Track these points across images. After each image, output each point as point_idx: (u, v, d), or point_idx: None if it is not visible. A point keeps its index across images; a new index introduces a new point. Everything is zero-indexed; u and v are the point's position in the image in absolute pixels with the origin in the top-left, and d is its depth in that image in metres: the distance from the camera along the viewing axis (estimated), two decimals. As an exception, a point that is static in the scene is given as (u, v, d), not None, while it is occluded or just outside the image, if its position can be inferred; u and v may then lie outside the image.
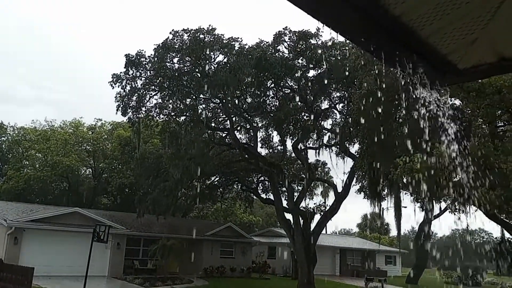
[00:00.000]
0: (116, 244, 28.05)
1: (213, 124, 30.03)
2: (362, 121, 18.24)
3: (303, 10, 1.54)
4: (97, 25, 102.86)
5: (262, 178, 34.70)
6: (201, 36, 25.91)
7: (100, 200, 51.69)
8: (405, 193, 23.59)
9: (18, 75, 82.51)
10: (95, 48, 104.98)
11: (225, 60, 26.45)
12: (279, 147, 32.61)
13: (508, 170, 12.78)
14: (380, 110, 16.26)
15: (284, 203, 30.47)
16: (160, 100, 28.06)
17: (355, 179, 28.37)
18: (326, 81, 25.35)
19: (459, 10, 1.70)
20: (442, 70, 2.06)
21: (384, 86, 15.55)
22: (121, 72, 27.03)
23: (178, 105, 28.34)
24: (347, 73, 23.39)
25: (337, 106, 28.56)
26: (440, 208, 35.73)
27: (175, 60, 27.03)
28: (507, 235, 24.59)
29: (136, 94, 27.20)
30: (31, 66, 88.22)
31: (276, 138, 31.99)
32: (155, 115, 28.69)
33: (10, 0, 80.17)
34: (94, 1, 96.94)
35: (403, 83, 2.09)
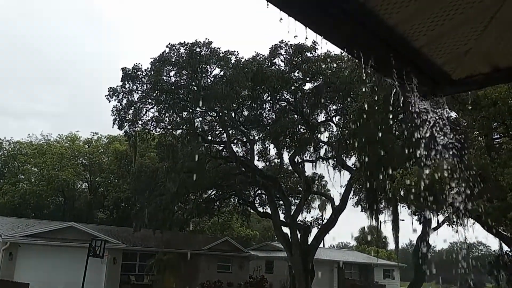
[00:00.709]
0: (112, 259, 27.78)
1: (209, 137, 30.02)
2: (359, 133, 18.27)
3: (297, 20, 1.53)
4: (94, 38, 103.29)
5: (259, 191, 34.60)
6: (198, 49, 26.05)
7: (96, 214, 51.28)
8: (403, 206, 23.56)
9: (14, 89, 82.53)
10: (92, 61, 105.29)
11: (222, 73, 26.56)
12: (276, 160, 32.61)
13: (505, 183, 12.78)
14: (376, 123, 16.31)
15: (282, 216, 30.36)
16: (156, 114, 28.10)
17: (352, 192, 28.34)
18: (322, 94, 25.44)
19: (452, 21, 1.70)
20: (436, 80, 2.06)
21: (380, 98, 15.61)
22: (117, 86, 27.12)
23: (174, 119, 28.36)
24: (343, 85, 23.50)
25: (333, 118, 28.64)
26: (438, 221, 35.64)
27: (172, 73, 27.13)
28: (505, 248, 24.50)
29: (132, 108, 27.23)
30: (27, 79, 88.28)
31: (273, 151, 32.03)
32: (151, 129, 28.68)
33: (6, 14, 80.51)
34: (90, 14, 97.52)
35: (398, 94, 2.08)
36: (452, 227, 24.19)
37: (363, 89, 18.53)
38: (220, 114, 28.03)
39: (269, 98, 27.38)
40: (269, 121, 28.09)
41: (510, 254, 24.30)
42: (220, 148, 31.17)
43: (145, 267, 28.69)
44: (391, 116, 17.12)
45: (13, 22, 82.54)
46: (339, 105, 27.04)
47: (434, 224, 37.07)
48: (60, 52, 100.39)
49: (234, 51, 26.67)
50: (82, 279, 17.23)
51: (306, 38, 1.63)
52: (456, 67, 2.02)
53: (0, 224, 28.01)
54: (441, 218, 31.78)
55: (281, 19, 1.48)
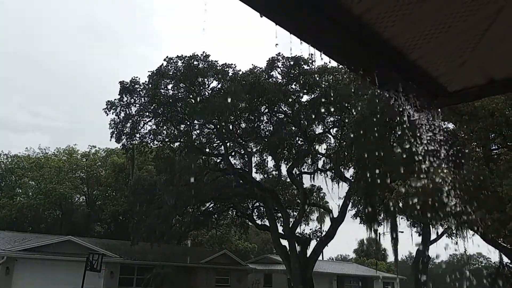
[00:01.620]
0: (110, 273, 27.55)
1: (207, 150, 30.00)
2: (356, 145, 18.29)
3: (293, 34, 1.54)
4: (92, 52, 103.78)
5: (257, 203, 34.48)
6: (195, 62, 26.16)
7: (93, 228, 50.96)
8: (402, 218, 23.50)
9: (13, 102, 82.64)
10: (91, 75, 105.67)
11: (219, 86, 26.65)
12: (274, 172, 32.56)
13: (504, 194, 12.77)
14: (373, 135, 16.34)
15: (280, 229, 30.22)
16: (154, 126, 28.10)
17: (350, 203, 28.25)
18: (319, 106, 25.51)
19: (447, 34, 1.71)
20: (433, 92, 2.06)
21: (377, 110, 15.66)
22: (115, 99, 27.15)
23: (172, 131, 28.36)
24: (340, 98, 23.59)
25: (331, 130, 28.68)
26: (438, 233, 35.56)
27: (169, 86, 27.19)
28: (505, 259, 24.40)
29: (130, 121, 27.23)
30: (26, 93, 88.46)
31: (270, 163, 31.98)
32: (149, 141, 28.65)
33: (6, 27, 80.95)
34: (89, 29, 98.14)
35: (395, 106, 2.08)
36: (452, 238, 24.14)
37: (360, 102, 18.61)
38: (218, 126, 28.06)
39: (266, 110, 27.44)
40: (266, 133, 28.11)
41: (510, 265, 24.17)
42: (218, 160, 31.12)
43: (143, 280, 28.43)
44: (388, 127, 17.17)
45: (13, 37, 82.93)
46: (336, 117, 27.10)
47: (433, 236, 37.03)
48: (59, 67, 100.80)
49: (232, 64, 26.83)
50: (79, 293, 17.08)
51: (302, 54, 1.63)
52: (451, 79, 2.02)
53: (-4, 238, 27.84)
54: (440, 230, 31.74)
55: (276, 38, 1.49)
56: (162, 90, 26.96)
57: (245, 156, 30.41)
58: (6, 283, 23.62)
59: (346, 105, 23.52)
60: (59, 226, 45.61)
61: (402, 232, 26.38)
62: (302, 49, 1.61)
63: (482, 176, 13.05)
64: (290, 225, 29.19)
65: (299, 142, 28.00)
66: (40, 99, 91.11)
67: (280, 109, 28.11)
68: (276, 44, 1.50)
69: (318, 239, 31.39)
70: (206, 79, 26.70)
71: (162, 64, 26.62)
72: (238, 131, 28.78)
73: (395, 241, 24.96)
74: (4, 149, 62.53)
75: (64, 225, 45.52)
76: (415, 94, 1.96)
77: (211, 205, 34.10)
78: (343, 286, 45.68)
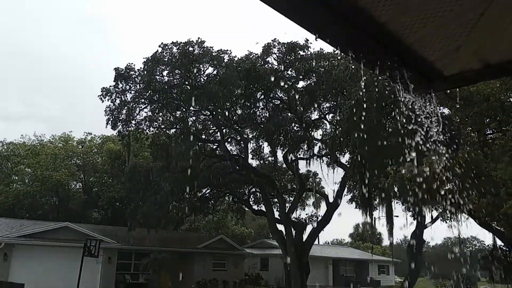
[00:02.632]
0: (107, 258, 27.72)
1: (203, 136, 30.00)
2: (352, 131, 18.33)
3: (289, 18, 1.55)
4: (86, 39, 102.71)
5: (254, 189, 34.64)
6: (190, 48, 25.98)
7: (90, 214, 51.09)
8: (397, 202, 23.66)
9: (7, 91, 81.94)
10: (84, 62, 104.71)
11: (215, 72, 26.52)
12: (270, 158, 32.63)
13: (498, 178, 12.88)
14: (369, 120, 16.37)
15: (276, 214, 30.41)
16: (150, 113, 28.02)
17: (346, 189, 28.43)
18: (315, 92, 25.47)
19: (442, 18, 1.72)
20: (428, 77, 2.08)
21: (373, 95, 15.67)
22: (110, 86, 27.00)
23: (168, 118, 28.29)
24: (336, 83, 23.55)
25: (327, 116, 28.71)
26: (432, 216, 35.86)
27: (165, 73, 27.05)
28: (499, 242, 24.69)
29: (125, 108, 27.13)
30: (18, 82, 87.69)
31: (266, 149, 32.05)
32: (145, 128, 28.60)
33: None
34: (82, 15, 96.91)
35: (391, 91, 2.11)
36: (446, 222, 24.39)
37: (356, 87, 18.60)
38: (214, 113, 28.01)
39: (262, 96, 27.38)
40: (262, 119, 28.10)
41: (504, 248, 24.49)
42: (214, 147, 31.15)
43: (141, 266, 28.67)
44: (384, 113, 17.22)
45: (3, 26, 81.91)
46: (332, 102, 27.10)
47: (428, 219, 37.36)
48: (53, 53, 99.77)
49: (227, 50, 26.67)
50: (78, 278, 17.18)
51: (297, 40, 1.64)
52: (447, 64, 2.04)
53: (-6, 225, 27.90)
54: (435, 213, 32.01)
55: (272, 24, 1.49)
56: (158, 77, 26.81)
57: (241, 142, 30.44)
58: (4, 269, 23.74)
59: (342, 91, 23.49)
60: (56, 213, 45.71)
61: (397, 216, 26.57)
62: (298, 34, 1.62)
63: (477, 161, 13.15)
64: (286, 210, 29.38)
65: (295, 128, 28.03)
66: (33, 88, 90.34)
67: (276, 95, 28.07)
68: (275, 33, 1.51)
69: (314, 224, 31.64)
70: (201, 65, 26.56)
71: (157, 51, 26.45)
72: (234, 117, 28.75)
73: (390, 225, 25.19)
74: (-2, 136, 62.17)
75: (61, 212, 45.62)
76: (411, 78, 1.98)
77: (208, 191, 34.23)
78: (338, 270, 46.20)
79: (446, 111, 16.41)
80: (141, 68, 26.68)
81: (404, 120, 2.37)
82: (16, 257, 24.55)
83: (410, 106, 2.16)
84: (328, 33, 1.74)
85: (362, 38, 1.76)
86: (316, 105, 27.38)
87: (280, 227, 29.54)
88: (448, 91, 13.08)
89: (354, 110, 17.53)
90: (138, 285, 28.88)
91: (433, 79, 2.10)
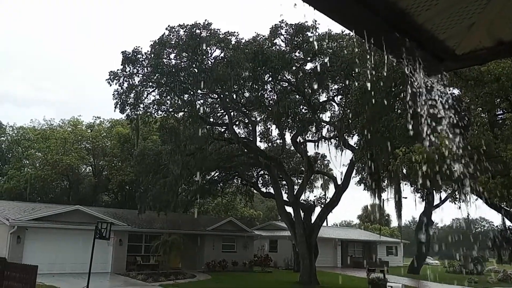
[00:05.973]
0: (118, 241, 28.13)
1: (211, 119, 30.01)
2: (361, 112, 18.21)
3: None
4: (93, 23, 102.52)
5: (262, 172, 34.77)
6: (197, 31, 25.79)
7: (101, 197, 51.75)
8: (405, 184, 23.61)
9: (16, 76, 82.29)
10: (92, 46, 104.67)
11: (222, 54, 26.36)
12: (278, 141, 32.68)
13: (508, 158, 12.78)
14: (378, 101, 16.24)
15: (285, 196, 30.55)
16: (158, 97, 28.00)
17: (354, 171, 28.41)
18: (323, 74, 25.26)
19: (456, -6, 1.69)
20: (440, 56, 2.05)
21: (382, 76, 15.51)
22: (118, 70, 26.96)
23: (176, 101, 28.28)
24: (344, 64, 23.34)
25: (335, 98, 28.54)
26: (441, 198, 35.86)
27: (172, 56, 26.92)
28: (508, 223, 24.65)
29: (133, 91, 27.14)
30: (29, 66, 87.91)
31: (275, 132, 32.07)
32: (153, 112, 28.63)
33: (9, 3, 79.75)
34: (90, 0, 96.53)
35: (401, 72, 2.08)
36: (455, 203, 24.32)
37: (365, 68, 18.40)
38: (221, 96, 27.95)
39: (270, 79, 27.22)
40: (270, 102, 28.00)
41: (513, 229, 24.47)
42: (222, 130, 31.18)
43: (151, 248, 29.05)
44: (393, 94, 17.06)
45: (16, 11, 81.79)
46: (340, 84, 26.90)
47: (437, 201, 37.35)
48: (61, 39, 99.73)
49: (234, 32, 26.43)
50: (89, 260, 17.44)
51: (306, 21, 1.62)
52: (459, 42, 2.01)
53: (7, 208, 28.32)
54: (443, 195, 31.94)
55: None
56: (165, 60, 26.71)
57: (249, 125, 30.42)
58: (18, 251, 24.18)
59: (351, 72, 23.28)
60: (68, 196, 46.35)
61: (405, 197, 26.60)
62: (306, 13, 1.60)
63: (486, 141, 13.03)
64: (295, 192, 29.48)
65: (303, 110, 27.92)
66: (42, 73, 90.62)
67: (284, 78, 27.89)
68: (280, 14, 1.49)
69: (322, 205, 31.76)
70: (208, 48, 26.38)
71: (164, 33, 26.28)
72: (242, 100, 28.68)
73: (398, 206, 25.21)
74: (7, 121, 62.66)
75: (72, 195, 46.23)
76: (422, 58, 1.95)
77: (217, 174, 34.40)
78: (347, 251, 46.50)
79: (456, 91, 16.23)
80: (148, 51, 26.58)
81: (413, 101, 2.35)
82: (29, 239, 24.98)
83: (420, 87, 2.14)
84: (336, 14, 1.71)
85: (372, 17, 1.73)
86: (324, 87, 27.21)
87: (289, 209, 29.70)
88: (458, 71, 12.91)
89: (362, 92, 17.38)
90: (149, 266, 29.30)
91: (444, 59, 2.07)
